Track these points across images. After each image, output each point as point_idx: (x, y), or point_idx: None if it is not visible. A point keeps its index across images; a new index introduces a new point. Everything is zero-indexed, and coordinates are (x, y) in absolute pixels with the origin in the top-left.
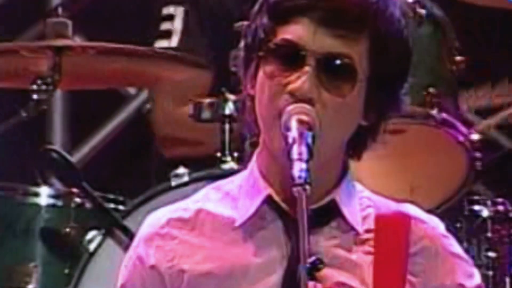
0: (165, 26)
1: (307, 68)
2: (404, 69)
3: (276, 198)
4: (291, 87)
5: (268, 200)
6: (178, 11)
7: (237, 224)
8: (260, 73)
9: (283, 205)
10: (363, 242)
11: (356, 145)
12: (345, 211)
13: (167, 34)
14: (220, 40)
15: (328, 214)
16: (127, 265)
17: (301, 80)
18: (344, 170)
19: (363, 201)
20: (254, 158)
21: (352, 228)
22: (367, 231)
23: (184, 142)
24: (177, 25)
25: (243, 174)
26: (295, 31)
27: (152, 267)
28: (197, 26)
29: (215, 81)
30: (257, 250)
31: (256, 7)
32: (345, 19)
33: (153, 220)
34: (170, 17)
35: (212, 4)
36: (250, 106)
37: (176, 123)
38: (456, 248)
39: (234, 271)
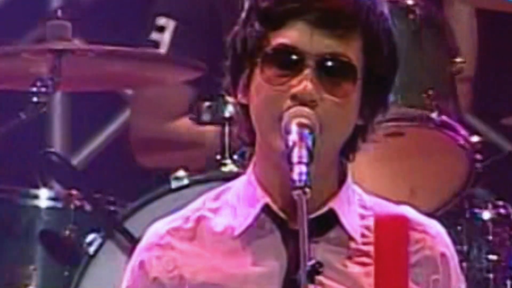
0: (154, 36)
1: (307, 71)
2: (394, 66)
3: (274, 206)
4: (294, 90)
5: (266, 209)
6: (169, 24)
7: (236, 233)
8: (256, 80)
9: (281, 214)
10: (362, 253)
11: (351, 146)
12: (344, 220)
13: (155, 45)
14: (213, 52)
15: (326, 224)
16: (128, 276)
17: (303, 84)
18: (343, 175)
19: (363, 210)
20: (251, 166)
21: (351, 238)
22: (366, 243)
23: (157, 151)
24: (166, 38)
25: (241, 181)
26: (291, 35)
27: (155, 279)
28: (185, 42)
29: (195, 98)
30: (256, 260)
31: (244, 15)
32: (340, 18)
33: (153, 231)
34: (161, 29)
35: (204, 18)
36: (243, 115)
37: (151, 136)
38: (455, 260)
39: (233, 282)
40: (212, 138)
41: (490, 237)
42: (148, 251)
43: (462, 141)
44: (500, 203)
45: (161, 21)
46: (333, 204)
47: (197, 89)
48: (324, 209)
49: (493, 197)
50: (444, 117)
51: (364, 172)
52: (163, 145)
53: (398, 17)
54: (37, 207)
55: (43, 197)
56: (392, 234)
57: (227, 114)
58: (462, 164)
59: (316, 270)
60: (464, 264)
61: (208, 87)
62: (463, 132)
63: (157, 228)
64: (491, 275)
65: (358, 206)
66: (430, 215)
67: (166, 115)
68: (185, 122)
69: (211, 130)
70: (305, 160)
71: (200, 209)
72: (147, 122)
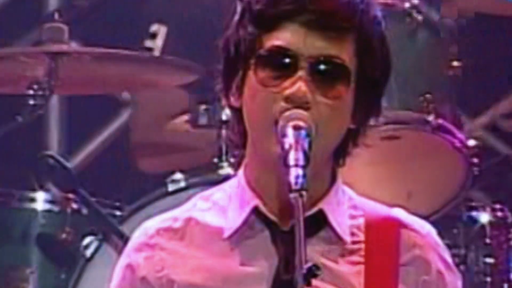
0: (148, 43)
1: (301, 73)
2: (387, 70)
3: (264, 209)
4: (287, 92)
5: (256, 211)
6: (160, 30)
7: (225, 235)
8: (250, 82)
9: (271, 216)
10: (352, 252)
11: (342, 150)
12: (333, 221)
13: (150, 52)
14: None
15: (316, 225)
16: (117, 275)
17: (296, 85)
18: (333, 178)
19: (353, 210)
20: (242, 168)
21: (340, 238)
22: (356, 242)
23: (157, 153)
24: (158, 43)
25: (233, 182)
26: (285, 37)
27: (143, 278)
28: (177, 46)
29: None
30: (245, 262)
31: (236, 17)
32: (334, 20)
33: (142, 230)
34: (153, 35)
35: (198, 21)
36: (236, 118)
37: (153, 135)
38: (447, 258)
39: (223, 283)
40: (208, 141)
41: (488, 240)
42: (137, 251)
43: (459, 145)
44: (497, 206)
45: (153, 27)
46: (322, 205)
47: (193, 93)
48: (314, 209)
49: (490, 200)
50: (441, 121)
51: (361, 175)
52: (163, 149)
53: (395, 21)
54: (34, 210)
55: (40, 200)
56: (382, 234)
57: (224, 117)
58: (459, 167)
59: (313, 272)
60: (462, 267)
61: (204, 90)
62: (460, 135)
63: (146, 228)
64: (488, 278)
65: (348, 206)
66: (427, 218)
67: (166, 118)
68: (183, 125)
69: (207, 133)
70: (301, 163)
71: (190, 209)
72: (147, 125)
